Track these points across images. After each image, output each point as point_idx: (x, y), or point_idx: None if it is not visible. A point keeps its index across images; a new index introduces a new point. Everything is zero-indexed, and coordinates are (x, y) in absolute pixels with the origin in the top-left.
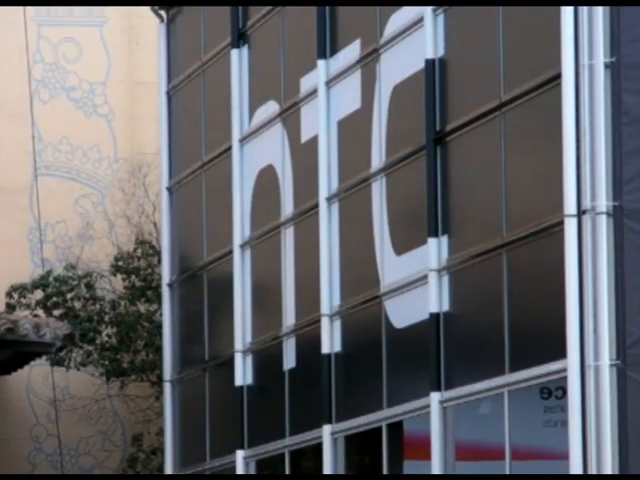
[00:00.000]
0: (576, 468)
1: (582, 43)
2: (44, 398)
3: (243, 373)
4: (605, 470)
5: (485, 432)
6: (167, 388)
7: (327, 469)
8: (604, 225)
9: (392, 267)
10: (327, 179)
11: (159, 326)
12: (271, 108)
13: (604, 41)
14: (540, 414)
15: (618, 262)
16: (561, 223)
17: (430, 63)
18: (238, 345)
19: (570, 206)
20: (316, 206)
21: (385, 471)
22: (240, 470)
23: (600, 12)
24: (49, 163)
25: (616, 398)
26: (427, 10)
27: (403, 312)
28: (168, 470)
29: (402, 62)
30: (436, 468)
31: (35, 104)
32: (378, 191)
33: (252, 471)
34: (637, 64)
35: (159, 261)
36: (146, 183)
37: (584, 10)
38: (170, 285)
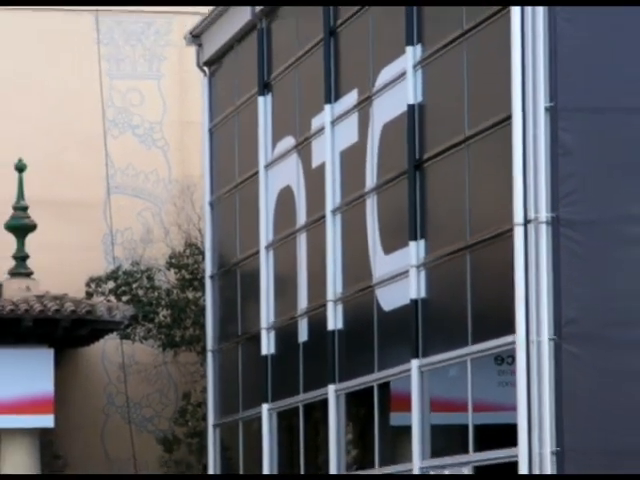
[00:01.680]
0: (522, 418)
1: (528, 91)
2: (115, 364)
3: (267, 345)
4: (544, 420)
5: (453, 390)
6: (209, 357)
7: (332, 419)
8: (544, 231)
9: (381, 263)
10: (332, 196)
11: (203, 309)
12: (289, 141)
13: (545, 89)
14: (495, 377)
15: (555, 260)
16: (511, 230)
17: (411, 107)
18: (263, 323)
19: (518, 217)
20: (323, 217)
21: (376, 420)
22: (265, 419)
23: (542, 67)
24: (118, 184)
25: (553, 365)
26: (409, 66)
27: (390, 298)
28: (210, 418)
29: (389, 106)
30: (415, 418)
31: (108, 139)
32: (371, 205)
33: (274, 420)
34: (570, 108)
35: (203, 259)
36: (193, 199)
37: (530, 65)
38: (212, 277)
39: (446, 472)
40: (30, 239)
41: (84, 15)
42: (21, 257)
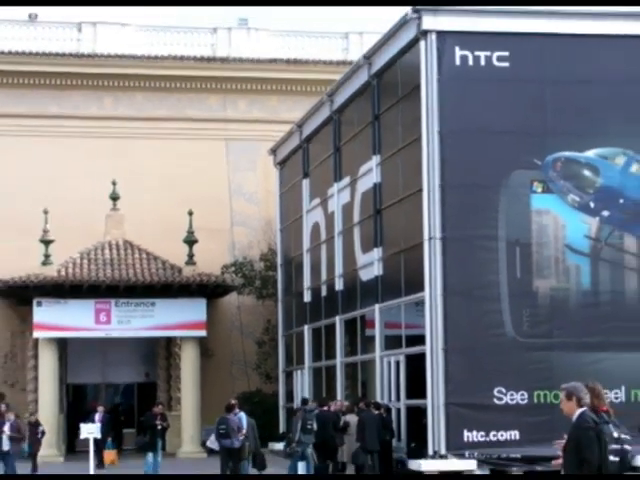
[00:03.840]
0: (427, 330)
1: (432, 170)
2: (234, 306)
3: (307, 297)
4: (438, 331)
5: (395, 318)
6: (279, 303)
7: (338, 333)
8: (439, 245)
9: (361, 258)
10: (337, 226)
11: (276, 280)
12: (317, 200)
13: (440, 167)
14: (414, 312)
15: (446, 263)
16: (422, 243)
17: (377, 185)
18: (305, 286)
19: (426, 235)
20: (333, 237)
21: (358, 333)
22: (306, 332)
23: (437, 175)
24: (237, 221)
25: (443, 308)
26: (374, 164)
27: (365, 274)
28: (280, 331)
29: (365, 184)
30: (377, 332)
31: (232, 201)
32: (356, 230)
33: (310, 333)
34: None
35: (276, 256)
36: (272, 227)
37: (435, 177)
38: (281, 265)
39: (399, 358)
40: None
41: (218, 143)
42: (190, 256)
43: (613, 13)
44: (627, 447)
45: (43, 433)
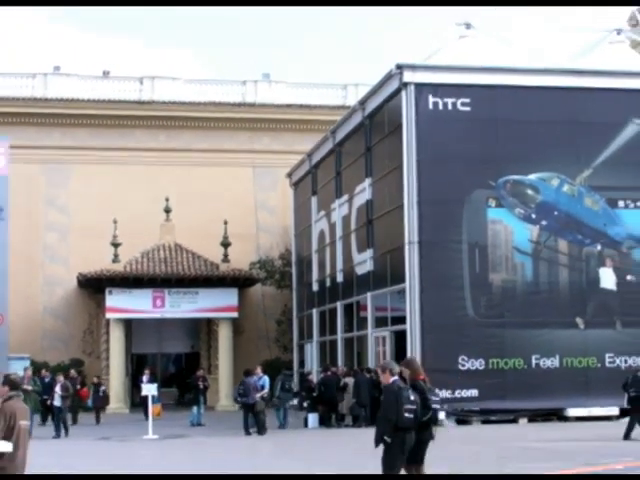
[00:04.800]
0: (407, 312)
1: (411, 189)
2: (259, 294)
3: (315, 287)
4: (416, 312)
5: (382, 303)
6: (294, 291)
7: (339, 315)
8: (416, 248)
9: (356, 257)
10: (339, 233)
11: (291, 274)
12: (322, 213)
13: (417, 188)
14: (398, 299)
15: (421, 261)
16: (403, 246)
17: (369, 201)
18: (314, 278)
19: (406, 239)
20: (334, 241)
21: (354, 315)
22: (315, 314)
23: (415, 196)
24: (261, 226)
25: (420, 294)
26: (367, 185)
27: (360, 270)
28: (294, 313)
29: (359, 200)
30: (369, 314)
31: (257, 215)
32: (354, 236)
33: (318, 315)
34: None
35: (291, 255)
36: (288, 233)
37: (412, 196)
38: (295, 263)
39: (385, 334)
40: (229, 249)
41: (246, 169)
42: (225, 255)
43: (548, 70)
44: (436, 406)
45: (104, 392)
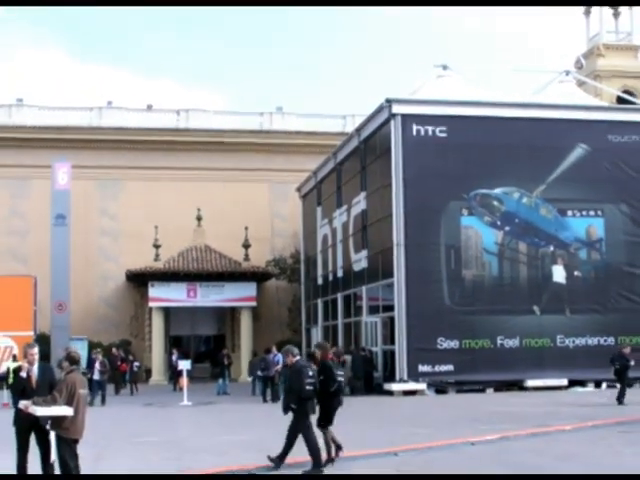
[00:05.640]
0: (396, 303)
1: (398, 201)
2: (274, 287)
3: (320, 281)
4: (402, 305)
5: (375, 294)
6: (302, 284)
7: (339, 305)
8: (403, 248)
9: (354, 256)
10: (339, 237)
11: (300, 270)
12: (325, 220)
13: (403, 200)
14: (389, 291)
15: (407, 260)
16: (392, 247)
17: (364, 210)
18: (318, 274)
19: (394, 242)
20: (335, 244)
21: (352, 304)
22: (320, 304)
23: (402, 206)
24: (277, 230)
25: (406, 288)
26: (362, 197)
27: (356, 267)
28: (302, 302)
29: (356, 210)
30: (364, 303)
31: (273, 221)
32: (352, 239)
33: (321, 305)
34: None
35: (300, 254)
36: (297, 237)
37: (399, 205)
38: (304, 260)
39: (377, 319)
40: (249, 250)
41: (263, 184)
42: (246, 255)
43: (510, 103)
44: (340, 379)
45: (138, 367)
